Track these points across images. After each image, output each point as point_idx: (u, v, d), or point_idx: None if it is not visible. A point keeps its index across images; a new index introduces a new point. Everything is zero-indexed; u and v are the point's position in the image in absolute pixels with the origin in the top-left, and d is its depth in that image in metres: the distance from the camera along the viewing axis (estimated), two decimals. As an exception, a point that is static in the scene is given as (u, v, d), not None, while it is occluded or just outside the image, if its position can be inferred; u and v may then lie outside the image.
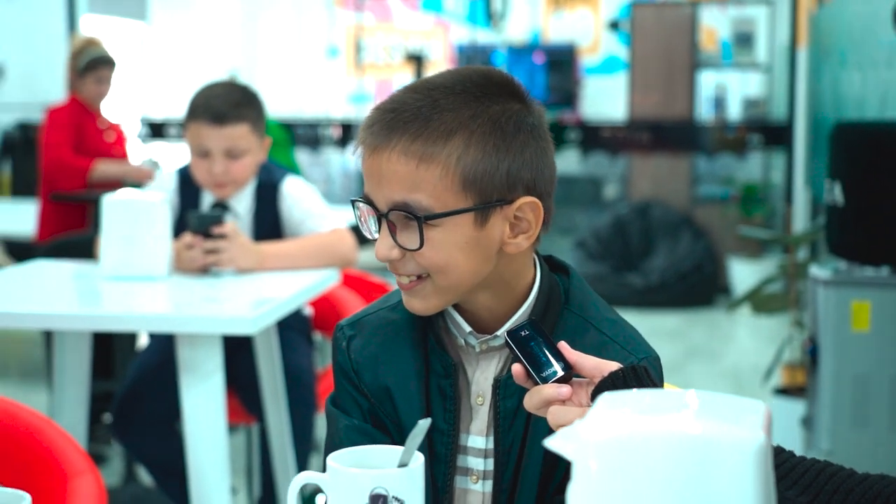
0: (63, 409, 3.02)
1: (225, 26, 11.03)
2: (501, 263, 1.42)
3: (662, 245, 8.46)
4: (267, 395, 3.02)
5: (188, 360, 2.50)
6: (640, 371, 1.22)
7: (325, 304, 3.18)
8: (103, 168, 4.87)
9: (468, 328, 1.46)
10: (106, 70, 4.96)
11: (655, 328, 7.51)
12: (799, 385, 4.58)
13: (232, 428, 4.26)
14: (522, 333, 1.28)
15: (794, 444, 4.25)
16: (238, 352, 3.10)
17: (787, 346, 4.77)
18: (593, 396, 1.21)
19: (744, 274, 7.96)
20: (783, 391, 4.67)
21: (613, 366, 1.24)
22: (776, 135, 8.58)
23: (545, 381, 1.25)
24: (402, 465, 1.18)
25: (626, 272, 8.34)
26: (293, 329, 3.14)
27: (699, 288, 8.24)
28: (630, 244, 8.53)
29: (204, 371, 2.50)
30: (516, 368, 1.27)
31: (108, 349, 4.56)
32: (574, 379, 1.27)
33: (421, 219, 1.35)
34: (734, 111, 9.57)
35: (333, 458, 1.19)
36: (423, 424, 1.17)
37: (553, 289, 1.48)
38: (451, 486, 1.47)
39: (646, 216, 8.58)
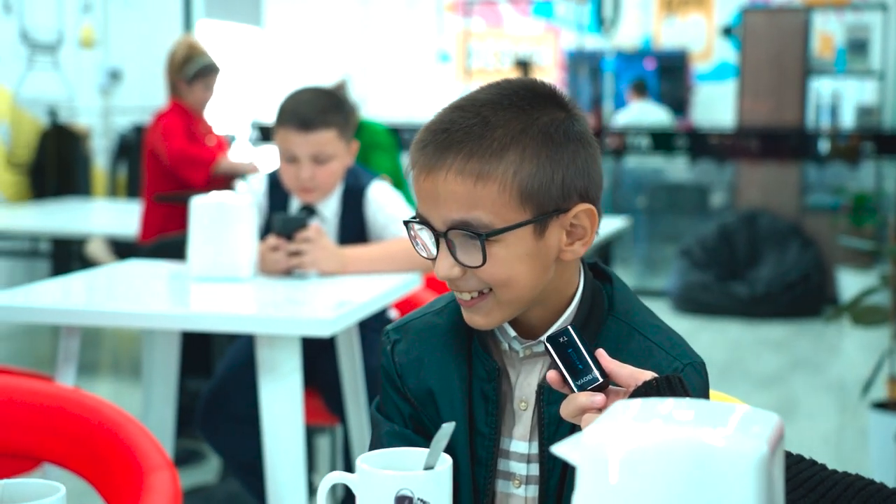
0: (152, 407, 3.10)
1: (337, 32, 11.18)
2: (556, 272, 1.44)
3: (769, 254, 8.32)
4: (348, 397, 3.06)
5: (267, 361, 2.55)
6: (675, 381, 1.22)
7: (409, 307, 3.21)
8: (228, 162, 4.99)
9: (513, 333, 1.47)
10: (214, 77, 5.07)
11: (760, 339, 7.40)
12: (899, 400, 4.48)
13: (319, 429, 4.31)
14: (561, 339, 1.28)
15: (888, 459, 4.16)
16: (322, 353, 3.14)
17: (888, 359, 4.66)
18: None
19: (852, 285, 7.80)
20: (883, 405, 4.57)
21: (648, 375, 1.24)
22: (890, 143, 8.40)
23: (581, 388, 1.26)
24: (428, 467, 1.19)
25: (732, 281, 8.23)
26: (376, 331, 3.18)
27: (806, 298, 8.09)
28: (736, 253, 8.42)
29: (282, 371, 2.55)
30: (552, 375, 1.28)
31: (208, 348, 4.66)
32: (611, 387, 1.28)
33: (483, 236, 1.36)
34: (847, 119, 9.39)
35: (363, 460, 1.22)
36: (447, 428, 1.18)
37: (596, 296, 1.48)
38: (492, 489, 1.48)
39: (753, 225, 8.45)
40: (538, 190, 1.37)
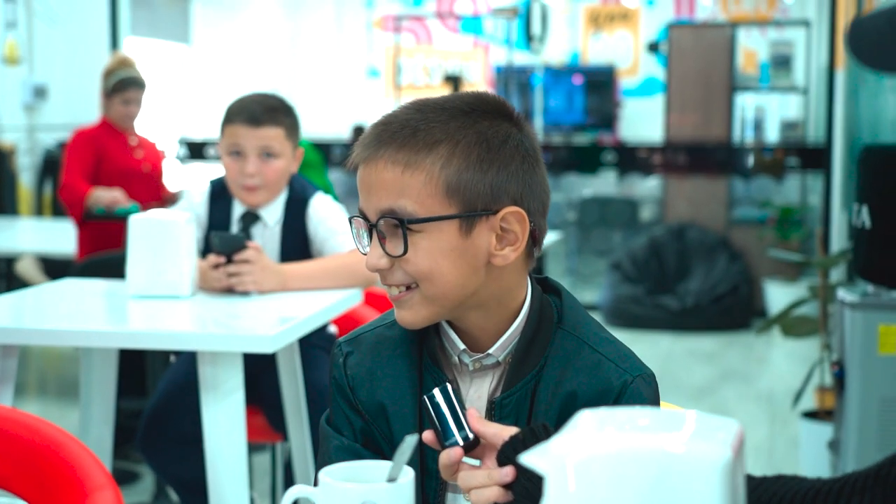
0: (90, 426, 3.07)
1: (266, 48, 11.14)
2: (491, 279, 1.45)
3: (698, 267, 8.43)
4: (289, 413, 3.05)
5: (209, 378, 2.53)
6: (539, 430, 1.25)
7: (348, 322, 3.21)
8: (97, 195, 4.90)
9: (462, 345, 1.48)
10: (133, 91, 5.01)
11: (690, 351, 7.49)
12: (828, 409, 4.56)
13: (258, 447, 4.28)
14: (438, 398, 1.29)
15: (822, 467, 4.23)
16: (264, 370, 3.13)
17: (818, 369, 4.74)
18: (499, 461, 1.25)
19: (779, 297, 7.92)
20: (813, 414, 4.65)
21: (513, 430, 1.27)
22: (814, 157, 8.55)
23: (450, 447, 1.29)
24: (391, 479, 1.20)
25: (662, 294, 8.32)
26: (317, 347, 3.17)
27: (735, 311, 8.20)
28: (666, 266, 8.51)
29: (225, 389, 2.54)
30: (427, 435, 1.31)
31: (142, 367, 4.61)
32: (483, 444, 1.31)
33: (404, 222, 1.39)
34: (772, 133, 9.55)
35: (325, 473, 1.22)
36: (410, 440, 1.19)
37: (545, 308, 1.50)
38: (442, 501, 1.49)
39: (682, 238, 8.55)
40: (465, 187, 1.40)
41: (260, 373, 3.12)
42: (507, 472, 1.22)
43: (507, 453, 1.23)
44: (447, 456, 1.27)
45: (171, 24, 10.72)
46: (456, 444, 1.27)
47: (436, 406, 1.28)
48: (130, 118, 5.05)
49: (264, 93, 3.19)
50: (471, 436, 1.28)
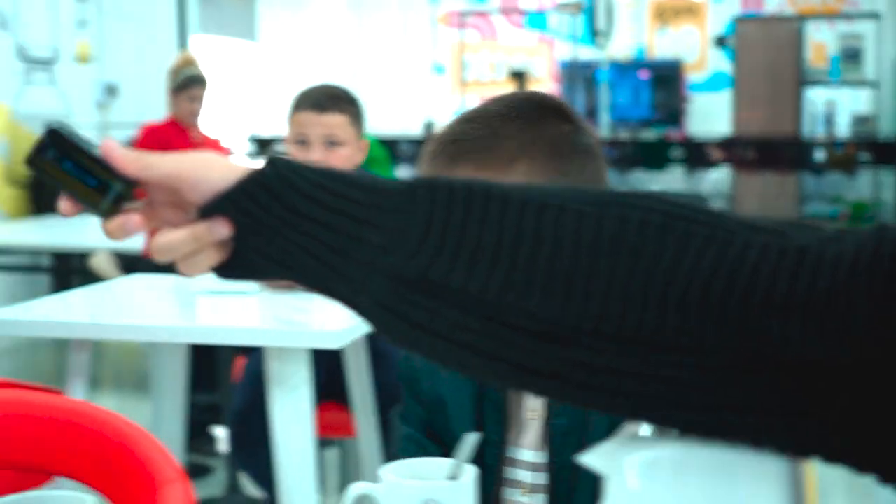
0: (161, 420, 3.11)
1: (332, 44, 11.21)
2: None
3: (767, 263, 8.36)
4: (357, 410, 3.06)
5: (276, 374, 2.56)
6: (279, 167, 0.94)
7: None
8: None
9: None
10: (198, 89, 5.15)
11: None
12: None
13: (330, 442, 4.31)
14: (49, 156, 0.91)
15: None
16: (341, 365, 3.14)
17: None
18: (203, 213, 0.92)
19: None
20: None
21: (203, 166, 0.93)
22: (886, 152, 8.44)
23: (109, 212, 0.93)
24: (453, 477, 1.21)
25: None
26: (386, 342, 3.18)
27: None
28: (734, 262, 8.45)
29: (292, 384, 2.56)
30: (65, 206, 0.94)
31: (212, 362, 4.66)
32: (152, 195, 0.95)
33: None
34: (842, 128, 9.43)
35: (388, 469, 1.23)
36: (471, 439, 1.19)
37: None
38: (498, 497, 1.50)
39: (750, 234, 8.49)
40: None
41: (337, 368, 3.13)
42: (221, 226, 0.91)
43: (223, 206, 0.91)
44: (120, 228, 0.92)
45: (237, 21, 10.82)
46: (117, 198, 0.92)
47: (57, 161, 0.91)
48: (195, 115, 5.19)
49: (330, 83, 3.24)
50: (122, 186, 0.92)
